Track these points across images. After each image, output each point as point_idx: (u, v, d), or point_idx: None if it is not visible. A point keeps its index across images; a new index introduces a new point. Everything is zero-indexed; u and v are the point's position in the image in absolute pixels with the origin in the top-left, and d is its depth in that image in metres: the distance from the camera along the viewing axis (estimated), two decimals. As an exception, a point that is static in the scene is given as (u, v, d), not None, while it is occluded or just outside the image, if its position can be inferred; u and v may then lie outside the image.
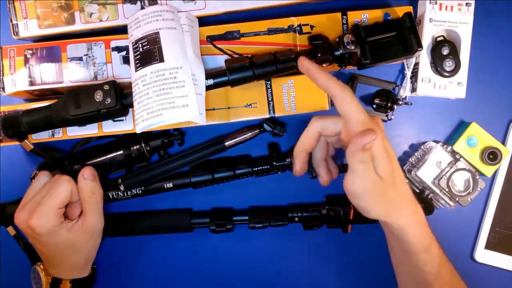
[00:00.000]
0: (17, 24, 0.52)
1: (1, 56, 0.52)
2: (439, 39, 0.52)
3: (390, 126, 0.56)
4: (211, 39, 0.52)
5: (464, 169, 0.53)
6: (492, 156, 0.53)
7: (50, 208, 0.47)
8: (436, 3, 0.52)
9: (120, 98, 0.48)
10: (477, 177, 0.54)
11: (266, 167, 0.54)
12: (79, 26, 0.52)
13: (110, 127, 0.52)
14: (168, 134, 0.55)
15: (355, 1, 0.54)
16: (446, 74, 0.52)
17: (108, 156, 0.53)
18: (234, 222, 0.55)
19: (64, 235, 0.48)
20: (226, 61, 0.49)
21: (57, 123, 0.49)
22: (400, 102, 0.54)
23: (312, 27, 0.52)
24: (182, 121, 0.46)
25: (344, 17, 0.52)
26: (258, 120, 0.54)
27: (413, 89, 0.54)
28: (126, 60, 0.52)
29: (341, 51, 0.48)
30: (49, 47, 0.52)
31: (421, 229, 0.44)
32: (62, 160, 0.53)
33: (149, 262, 0.58)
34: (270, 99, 0.52)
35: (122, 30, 0.52)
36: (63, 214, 0.49)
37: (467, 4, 0.52)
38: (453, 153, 0.54)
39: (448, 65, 0.52)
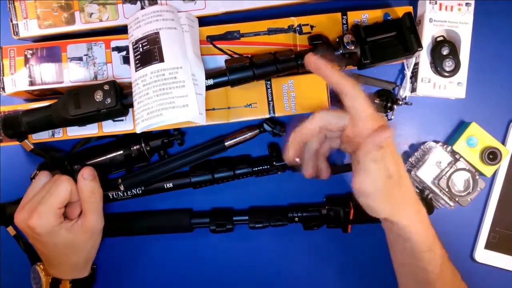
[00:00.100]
0: (17, 24, 0.52)
1: (1, 56, 0.52)
2: (439, 39, 0.52)
3: (390, 126, 0.56)
4: (211, 39, 0.52)
5: (464, 169, 0.53)
6: (492, 156, 0.53)
7: (50, 208, 0.47)
8: (436, 3, 0.52)
9: (120, 98, 0.48)
10: (477, 177, 0.54)
11: (266, 167, 0.54)
12: (79, 26, 0.52)
13: (110, 127, 0.52)
14: (168, 134, 0.55)
15: (355, 1, 0.54)
16: (446, 74, 0.52)
17: (108, 156, 0.53)
18: (234, 222, 0.55)
19: (64, 235, 0.48)
20: (226, 61, 0.49)
21: (57, 123, 0.49)
22: (400, 102, 0.54)
23: (312, 27, 0.52)
24: (182, 121, 0.46)
25: (344, 17, 0.52)
26: (258, 120, 0.54)
27: (413, 89, 0.54)
28: (126, 60, 0.52)
29: (341, 51, 0.48)
30: (49, 47, 0.52)
31: (424, 228, 0.44)
32: (62, 160, 0.53)
33: (149, 262, 0.58)
34: (270, 99, 0.52)
35: (122, 30, 0.52)
36: (63, 214, 0.49)
37: (467, 4, 0.52)
38: (453, 153, 0.54)
39: (448, 65, 0.52)
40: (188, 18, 0.50)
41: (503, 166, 0.56)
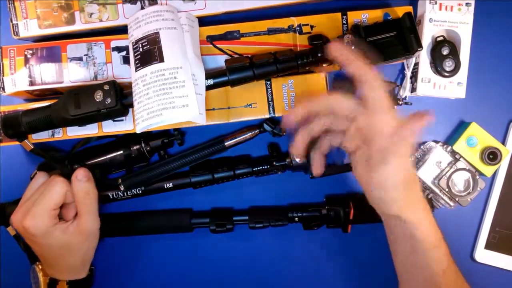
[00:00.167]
0: (17, 24, 0.52)
1: (1, 56, 0.52)
2: (439, 39, 0.52)
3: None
4: (211, 39, 0.52)
5: (464, 169, 0.53)
6: (492, 156, 0.53)
7: (44, 209, 0.47)
8: (436, 3, 0.52)
9: (120, 98, 0.48)
10: (477, 177, 0.54)
11: (266, 167, 0.54)
12: (79, 26, 0.52)
13: (110, 127, 0.52)
14: (168, 134, 0.55)
15: (355, 1, 0.54)
16: (446, 74, 0.52)
17: (108, 156, 0.53)
18: (234, 222, 0.55)
19: (58, 236, 0.48)
20: (226, 61, 0.49)
21: (57, 123, 0.49)
22: (400, 102, 0.54)
23: (312, 27, 0.52)
24: (182, 121, 0.46)
25: (344, 17, 0.52)
26: (258, 120, 0.54)
27: (413, 89, 0.54)
28: (126, 60, 0.52)
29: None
30: (49, 47, 0.52)
31: (430, 225, 0.44)
32: (62, 160, 0.53)
33: (149, 262, 0.58)
34: (270, 99, 0.52)
35: (122, 30, 0.52)
36: (58, 215, 0.49)
37: (467, 4, 0.52)
38: (453, 153, 0.54)
39: (448, 65, 0.52)
40: (188, 18, 0.50)
41: (503, 166, 0.56)
